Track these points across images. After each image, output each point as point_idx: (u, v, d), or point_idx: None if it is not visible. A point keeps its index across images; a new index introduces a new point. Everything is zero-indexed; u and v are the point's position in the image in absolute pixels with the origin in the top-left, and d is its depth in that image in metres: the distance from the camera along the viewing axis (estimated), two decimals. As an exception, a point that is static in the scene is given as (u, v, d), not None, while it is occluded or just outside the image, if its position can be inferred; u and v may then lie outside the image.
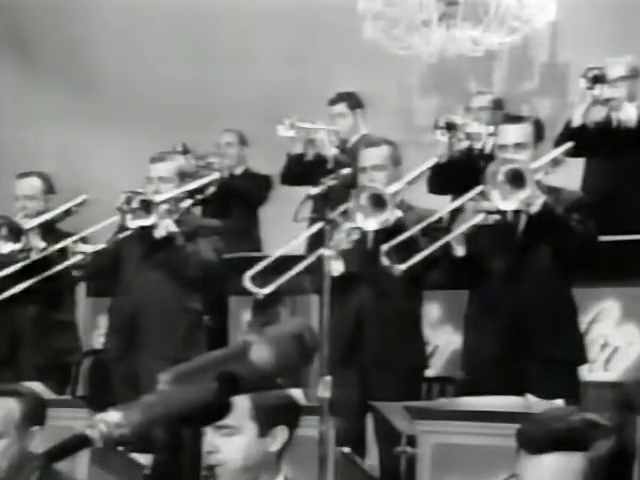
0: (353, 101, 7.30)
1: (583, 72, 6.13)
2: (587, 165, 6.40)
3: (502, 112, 7.08)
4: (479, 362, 4.93)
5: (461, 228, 4.74)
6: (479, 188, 4.90)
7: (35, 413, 3.67)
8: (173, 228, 5.68)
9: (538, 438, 2.20)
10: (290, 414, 3.14)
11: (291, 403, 3.20)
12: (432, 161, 5.85)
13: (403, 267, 4.81)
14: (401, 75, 8.94)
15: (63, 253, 6.01)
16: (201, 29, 9.35)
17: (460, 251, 4.82)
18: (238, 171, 7.85)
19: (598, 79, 6.03)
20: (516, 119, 5.20)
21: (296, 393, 4.39)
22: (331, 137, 7.13)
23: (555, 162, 5.16)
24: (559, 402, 3.81)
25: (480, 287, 5.00)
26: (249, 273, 5.29)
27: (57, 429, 4.22)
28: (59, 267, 5.97)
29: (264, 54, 9.03)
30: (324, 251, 4.49)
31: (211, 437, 3.05)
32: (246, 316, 6.67)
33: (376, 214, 5.00)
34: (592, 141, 6.05)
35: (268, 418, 3.07)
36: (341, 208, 5.01)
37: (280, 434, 3.07)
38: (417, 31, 7.97)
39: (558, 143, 6.11)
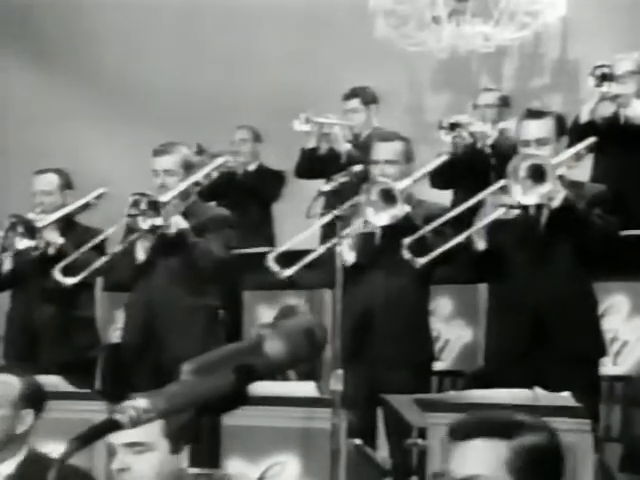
0: (367, 96, 7.38)
1: (591, 70, 6.21)
2: (596, 161, 6.43)
3: (508, 109, 7.22)
4: (499, 355, 4.96)
5: (483, 222, 4.77)
6: (501, 183, 4.92)
7: (33, 396, 3.69)
8: (183, 225, 5.65)
9: (464, 424, 2.28)
10: (192, 434, 3.20)
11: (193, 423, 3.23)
12: (442, 158, 5.87)
13: (423, 260, 4.88)
14: (412, 71, 9.00)
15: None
16: (215, 26, 9.42)
17: (481, 245, 4.85)
18: (252, 167, 7.95)
19: (606, 77, 6.12)
20: (538, 114, 5.13)
21: (309, 386, 4.52)
22: (345, 132, 7.24)
23: (578, 157, 5.21)
24: (566, 394, 3.86)
25: (501, 281, 5.01)
26: (272, 254, 5.44)
27: (75, 421, 4.33)
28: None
29: (277, 51, 9.09)
30: (336, 244, 4.61)
31: (122, 455, 3.06)
32: (260, 310, 6.74)
33: (386, 209, 5.06)
34: (600, 137, 6.10)
35: (179, 436, 3.10)
36: (351, 202, 5.07)
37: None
38: (428, 28, 8.06)
39: (570, 139, 6.23)
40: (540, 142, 4.96)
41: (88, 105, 9.76)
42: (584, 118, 6.24)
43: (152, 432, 2.99)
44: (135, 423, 1.83)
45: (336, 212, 4.86)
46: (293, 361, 1.98)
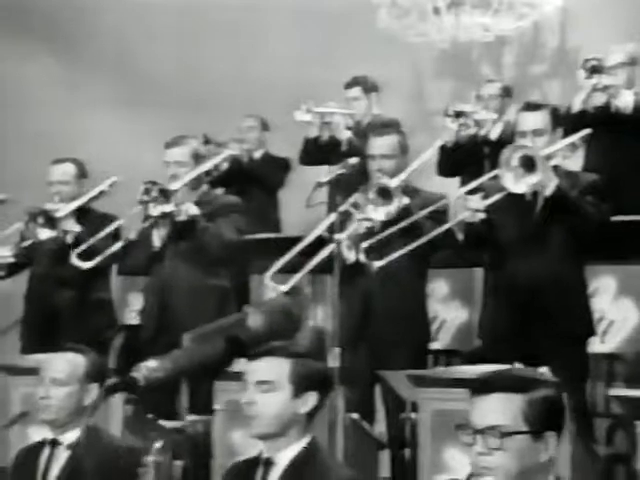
0: (368, 85, 7.55)
1: (581, 63, 6.42)
2: (588, 149, 6.53)
3: (511, 99, 7.40)
4: (493, 334, 5.15)
5: (456, 220, 5.02)
6: (493, 172, 5.14)
7: (97, 371, 3.93)
8: (194, 211, 5.88)
9: (486, 381, 2.66)
10: (322, 383, 3.40)
11: (325, 374, 3.50)
12: (435, 148, 6.11)
13: (380, 264, 5.13)
14: (414, 60, 9.20)
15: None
16: (227, 20, 9.58)
17: (460, 236, 5.06)
18: (257, 155, 8.13)
19: (596, 69, 6.33)
20: (534, 107, 5.29)
21: None
22: (346, 120, 7.41)
23: (573, 147, 5.38)
24: (544, 369, 4.10)
25: (498, 263, 5.20)
26: (269, 272, 5.51)
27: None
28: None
29: (284, 43, 9.27)
30: (338, 237, 4.89)
31: (251, 392, 3.29)
32: (268, 294, 6.97)
33: (384, 205, 5.29)
34: (592, 126, 6.33)
35: (303, 382, 3.31)
36: (351, 200, 5.30)
37: (311, 399, 3.32)
38: (429, 19, 8.31)
39: (563, 128, 6.46)
40: (536, 133, 5.13)
41: (105, 94, 9.88)
42: (575, 108, 6.45)
43: (280, 374, 3.27)
44: (147, 379, 2.31)
45: (340, 209, 5.09)
46: (272, 333, 2.48)
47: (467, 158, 6.84)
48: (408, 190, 5.51)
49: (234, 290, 6.31)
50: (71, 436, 3.88)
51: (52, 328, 6.40)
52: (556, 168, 5.09)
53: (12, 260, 6.59)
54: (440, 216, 5.30)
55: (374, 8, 8.36)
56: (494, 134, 6.99)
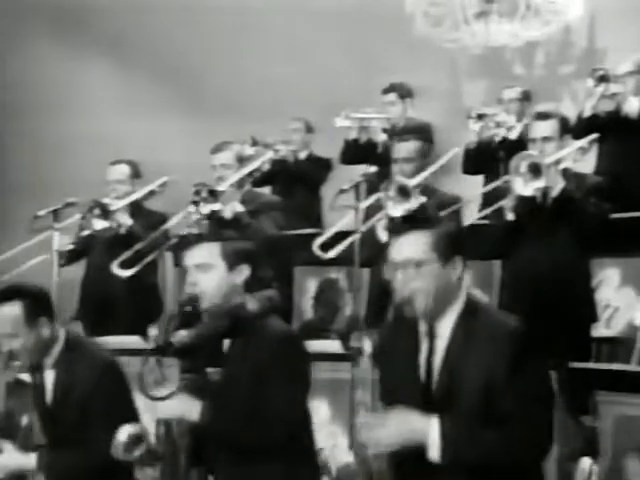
0: (404, 90, 8.10)
1: (590, 72, 6.91)
2: (599, 152, 7.03)
3: (530, 102, 7.84)
4: None
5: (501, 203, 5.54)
6: (505, 177, 5.62)
7: (38, 306, 4.27)
8: (239, 208, 6.28)
9: (399, 223, 3.35)
10: (251, 256, 3.90)
11: (251, 249, 3.97)
12: (452, 152, 6.54)
13: None
14: (450, 64, 9.62)
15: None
16: (278, 30, 10.02)
17: (510, 216, 5.53)
18: (302, 155, 8.54)
19: (603, 78, 6.83)
20: (545, 116, 5.73)
21: (335, 343, 5.31)
22: (382, 124, 7.93)
23: (583, 150, 5.87)
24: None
25: (514, 255, 5.69)
26: (317, 241, 6.12)
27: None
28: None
29: (330, 52, 9.72)
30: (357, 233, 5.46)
31: (193, 275, 3.82)
32: (308, 283, 7.42)
33: (402, 202, 5.71)
34: (601, 130, 6.69)
35: (233, 258, 3.83)
36: (374, 197, 5.83)
37: (244, 270, 3.84)
38: (461, 27, 8.76)
39: (575, 132, 6.92)
40: (545, 140, 5.63)
41: (160, 99, 10.35)
42: (586, 113, 6.91)
43: (213, 255, 3.82)
44: (180, 343, 3.24)
45: (362, 205, 5.65)
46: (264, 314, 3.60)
47: (488, 157, 7.31)
48: (427, 190, 5.93)
49: (277, 279, 6.85)
50: None
51: (105, 313, 6.83)
52: (566, 170, 5.58)
53: (71, 248, 6.96)
54: (455, 215, 5.80)
55: (409, 18, 8.83)
56: (513, 135, 7.41)
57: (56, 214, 6.76)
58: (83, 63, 10.66)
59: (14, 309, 4.24)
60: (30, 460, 4.33)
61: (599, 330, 6.12)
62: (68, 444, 4.22)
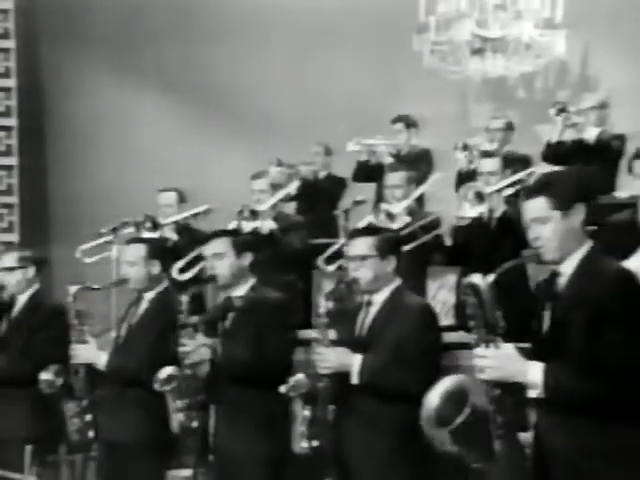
0: (409, 121, 9.24)
1: (552, 104, 8.02)
2: None
3: (513, 132, 8.87)
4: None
5: (437, 231, 6.74)
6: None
7: (157, 251, 5.44)
8: (273, 226, 7.31)
9: (355, 231, 4.83)
10: (254, 246, 5.20)
11: (249, 239, 5.33)
12: (433, 179, 7.68)
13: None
14: (456, 91, 10.71)
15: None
16: (312, 64, 10.91)
17: (448, 242, 6.72)
18: (322, 175, 9.51)
19: (562, 110, 7.96)
20: (489, 154, 6.99)
21: None
22: (389, 149, 9.05)
23: (520, 182, 6.80)
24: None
25: (464, 267, 6.59)
26: (322, 256, 7.18)
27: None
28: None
29: (347, 84, 10.71)
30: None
31: (210, 261, 5.06)
32: (325, 284, 7.93)
33: (390, 223, 6.75)
34: (566, 155, 7.93)
35: (239, 248, 5.08)
36: (367, 219, 6.88)
37: (248, 256, 5.08)
38: (462, 62, 9.86)
39: (544, 157, 8.10)
40: (490, 174, 6.81)
41: (209, 127, 11.07)
42: (553, 139, 8.02)
43: (224, 246, 5.04)
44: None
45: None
46: (253, 306, 4.90)
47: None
48: (411, 210, 7.03)
49: (301, 281, 7.75)
50: (149, 295, 5.34)
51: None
52: (507, 197, 6.71)
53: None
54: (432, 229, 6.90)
55: (419, 54, 9.90)
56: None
57: (115, 230, 7.79)
58: (135, 91, 11.27)
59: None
60: (101, 359, 5.30)
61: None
62: None
